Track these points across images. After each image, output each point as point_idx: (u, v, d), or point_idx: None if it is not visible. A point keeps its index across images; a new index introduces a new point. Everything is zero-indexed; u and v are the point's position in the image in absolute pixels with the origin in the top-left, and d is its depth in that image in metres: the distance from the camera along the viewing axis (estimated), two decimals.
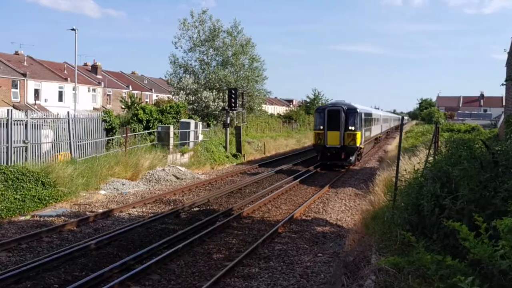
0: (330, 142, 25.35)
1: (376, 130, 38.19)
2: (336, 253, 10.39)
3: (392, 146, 36.39)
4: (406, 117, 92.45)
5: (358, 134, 25.87)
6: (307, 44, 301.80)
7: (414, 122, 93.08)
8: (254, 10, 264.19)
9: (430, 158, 10.14)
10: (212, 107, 37.40)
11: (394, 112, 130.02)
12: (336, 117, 25.37)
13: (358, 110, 26.38)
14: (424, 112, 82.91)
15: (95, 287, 7.99)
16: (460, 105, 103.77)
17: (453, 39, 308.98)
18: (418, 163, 11.13)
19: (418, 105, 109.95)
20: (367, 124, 30.50)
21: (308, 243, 11.26)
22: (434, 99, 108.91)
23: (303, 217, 14.19)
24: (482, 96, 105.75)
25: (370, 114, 33.05)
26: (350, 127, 25.56)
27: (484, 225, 4.55)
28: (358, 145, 25.91)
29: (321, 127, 25.72)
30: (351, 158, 25.81)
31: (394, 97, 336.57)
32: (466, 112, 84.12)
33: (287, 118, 58.79)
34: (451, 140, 10.52)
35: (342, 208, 15.76)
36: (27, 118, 17.16)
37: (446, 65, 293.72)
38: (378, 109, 66.56)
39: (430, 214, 6.51)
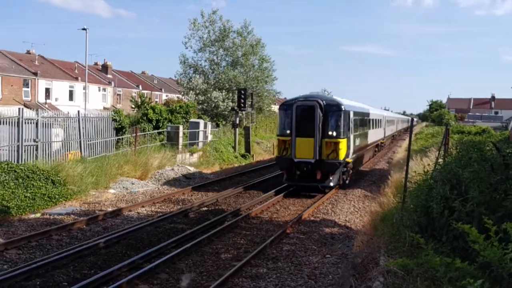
0: (300, 155, 17.32)
1: (375, 135, 28.76)
2: (344, 255, 10.35)
3: (401, 148, 36.24)
4: (415, 119, 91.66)
5: (343, 142, 17.60)
6: (317, 44, 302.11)
7: (424, 123, 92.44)
8: (264, 10, 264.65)
9: (440, 160, 10.10)
10: (222, 107, 37.45)
11: (404, 113, 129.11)
12: (309, 116, 17.32)
13: (343, 107, 18.08)
14: (434, 113, 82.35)
15: (104, 285, 8.03)
16: (471, 107, 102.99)
17: (464, 40, 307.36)
18: (428, 165, 11.07)
19: (428, 107, 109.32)
20: (360, 127, 22.23)
21: (317, 244, 11.24)
22: (444, 100, 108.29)
23: (312, 218, 14.16)
24: (493, 98, 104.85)
25: (365, 114, 24.54)
26: (330, 132, 17.47)
27: (494, 228, 4.53)
28: (342, 158, 17.56)
29: (288, 132, 17.69)
30: (331, 178, 17.56)
31: (404, 98, 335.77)
32: (477, 114, 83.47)
33: None
34: (461, 142, 10.50)
35: (351, 209, 15.70)
36: (37, 117, 17.32)
37: (456, 66, 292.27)
38: (388, 110, 65.75)
39: (439, 216, 6.49)
